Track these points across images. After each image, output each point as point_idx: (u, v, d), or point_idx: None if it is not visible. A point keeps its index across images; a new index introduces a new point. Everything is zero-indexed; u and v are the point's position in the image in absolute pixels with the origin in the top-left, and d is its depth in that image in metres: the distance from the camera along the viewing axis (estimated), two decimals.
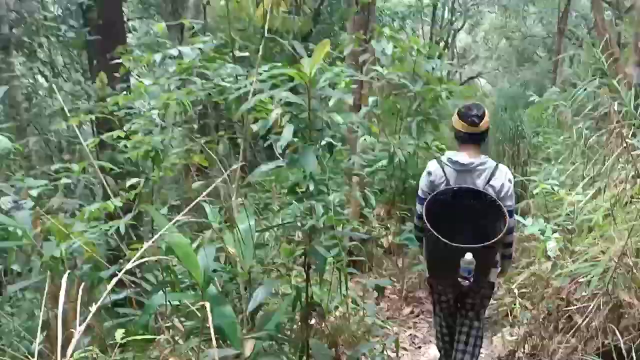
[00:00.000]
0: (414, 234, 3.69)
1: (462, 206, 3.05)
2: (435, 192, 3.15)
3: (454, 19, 20.32)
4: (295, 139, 2.81)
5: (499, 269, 3.34)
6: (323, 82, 2.83)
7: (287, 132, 2.67)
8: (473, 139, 3.19)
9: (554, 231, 3.49)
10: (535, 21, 22.37)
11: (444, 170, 3.21)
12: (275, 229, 3.53)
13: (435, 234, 2.90)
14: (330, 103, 4.04)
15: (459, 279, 2.93)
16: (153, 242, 2.08)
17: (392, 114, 6.16)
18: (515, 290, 3.71)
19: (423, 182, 3.36)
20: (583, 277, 3.18)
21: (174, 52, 2.95)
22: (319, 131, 2.89)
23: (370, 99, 5.54)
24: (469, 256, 2.85)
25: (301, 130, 2.85)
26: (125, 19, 10.01)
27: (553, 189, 3.66)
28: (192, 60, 2.96)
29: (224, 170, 3.00)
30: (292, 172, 3.10)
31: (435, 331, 3.70)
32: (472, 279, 2.92)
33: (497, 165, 3.20)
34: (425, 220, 2.98)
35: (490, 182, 3.13)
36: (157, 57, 3.01)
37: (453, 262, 2.91)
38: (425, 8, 19.25)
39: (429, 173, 3.30)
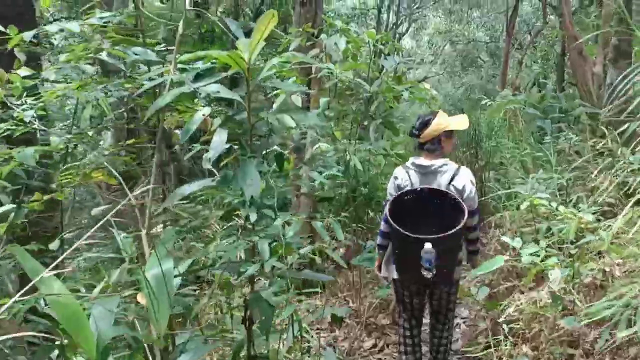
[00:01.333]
0: (377, 242, 3.69)
1: (424, 205, 3.21)
2: (398, 193, 3.32)
3: (398, 22, 19.99)
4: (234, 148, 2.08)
5: (461, 267, 3.46)
6: (267, 71, 2.08)
7: (219, 140, 1.92)
8: (424, 146, 3.43)
9: (548, 254, 2.88)
10: (479, 26, 22.44)
11: (408, 174, 3.42)
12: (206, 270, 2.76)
13: (397, 227, 3.04)
14: (277, 103, 3.33)
15: (422, 272, 3.00)
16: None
17: (345, 117, 5.48)
18: (505, 327, 3.06)
19: (390, 187, 3.54)
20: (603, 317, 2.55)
21: (52, 28, 2.12)
22: (262, 138, 2.14)
23: (322, 101, 4.83)
24: (428, 245, 2.96)
25: (238, 137, 2.11)
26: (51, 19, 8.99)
27: (550, 205, 3.04)
28: (85, 43, 2.16)
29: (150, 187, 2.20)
30: (227, 192, 2.33)
31: (398, 337, 3.77)
32: (434, 271, 3.00)
33: (459, 167, 3.38)
34: (389, 218, 3.12)
35: (453, 183, 3.29)
36: (28, 35, 2.18)
37: (416, 255, 3.01)
38: (369, 11, 18.86)
39: (396, 177, 3.49)
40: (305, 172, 5.91)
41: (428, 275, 2.99)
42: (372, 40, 5.12)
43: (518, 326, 3.11)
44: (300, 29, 5.21)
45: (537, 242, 3.09)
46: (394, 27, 19.41)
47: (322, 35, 5.02)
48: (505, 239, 3.05)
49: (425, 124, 3.38)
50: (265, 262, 2.04)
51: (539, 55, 15.32)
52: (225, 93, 1.96)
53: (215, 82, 2.01)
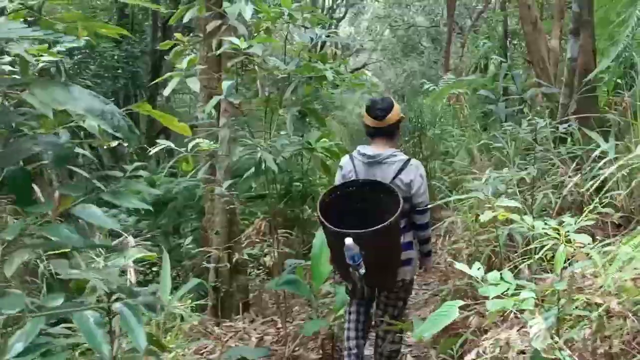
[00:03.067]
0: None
1: (364, 198, 3.05)
2: (335, 185, 3.19)
3: (334, 7, 19.14)
4: None
5: (413, 267, 3.23)
6: None
7: None
8: (380, 133, 3.17)
9: (519, 289, 2.00)
10: (418, 11, 21.87)
11: (353, 164, 3.19)
12: None
13: (321, 217, 2.88)
14: None
15: (350, 269, 2.84)
16: None
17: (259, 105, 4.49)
18: None
19: (337, 178, 3.34)
20: None
21: None
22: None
23: (225, 84, 3.82)
24: (348, 240, 2.75)
25: None
26: None
27: (522, 219, 2.15)
28: None
29: None
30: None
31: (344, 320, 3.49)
32: (362, 270, 2.80)
33: (408, 159, 3.15)
34: (317, 210, 2.96)
35: (399, 176, 3.08)
36: None
37: (341, 250, 2.81)
38: None
39: (341, 167, 3.30)
40: (220, 174, 4.93)
41: (356, 272, 2.82)
42: (289, 10, 4.14)
43: None
44: None
45: (498, 263, 2.23)
46: (330, 11, 18.55)
47: (225, 4, 4.01)
48: (460, 266, 2.14)
49: (389, 107, 3.14)
50: None
51: (482, 38, 14.76)
52: None
53: None
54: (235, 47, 3.71)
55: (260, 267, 6.63)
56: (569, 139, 4.09)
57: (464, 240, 3.67)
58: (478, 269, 2.09)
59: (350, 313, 3.36)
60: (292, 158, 7.23)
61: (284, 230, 6.10)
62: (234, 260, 4.65)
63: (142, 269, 7.49)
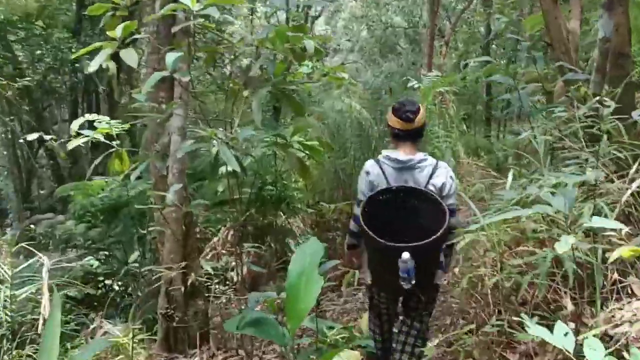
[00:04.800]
0: (346, 242, 3.38)
1: (402, 206, 2.91)
2: (372, 192, 2.96)
3: (310, 4, 18.29)
4: None
5: (445, 270, 3.17)
6: None
7: None
8: (409, 136, 3.01)
9: None
10: (397, 11, 21.21)
11: (382, 169, 3.02)
12: None
13: (371, 234, 2.69)
14: None
15: (401, 282, 2.68)
16: None
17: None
18: None
19: (362, 184, 3.11)
20: None
21: None
22: None
23: (170, 57, 2.88)
24: (405, 255, 2.62)
25: None
26: None
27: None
28: None
29: None
30: None
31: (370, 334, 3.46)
32: (413, 281, 2.68)
33: (437, 162, 3.04)
34: (362, 222, 2.77)
35: (432, 180, 2.97)
36: None
37: (392, 264, 2.66)
38: None
39: (367, 173, 3.09)
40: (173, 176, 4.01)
41: (407, 285, 2.71)
42: None
43: None
44: None
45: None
46: (306, 8, 17.66)
47: None
48: (539, 332, 1.27)
49: (418, 108, 3.00)
50: None
51: (465, 37, 14.15)
52: None
53: None
54: (183, 7, 2.79)
55: (228, 283, 5.71)
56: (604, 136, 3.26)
57: (488, 264, 2.80)
58: (565, 334, 1.22)
59: (375, 333, 3.37)
60: (264, 158, 6.30)
61: (251, 245, 5.19)
62: (189, 281, 3.73)
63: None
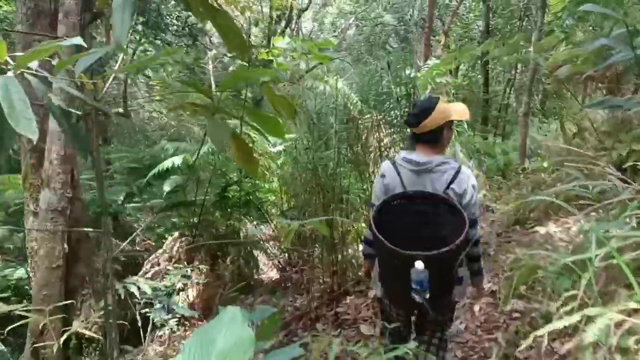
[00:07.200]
0: (362, 251, 3.25)
1: (417, 212, 2.69)
2: (386, 197, 2.78)
3: None
4: None
5: (464, 286, 2.94)
6: None
7: None
8: (421, 139, 2.79)
9: None
10: (387, 8, 20.32)
11: (398, 172, 2.84)
12: None
13: (381, 238, 2.48)
14: None
15: (413, 294, 2.48)
16: None
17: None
18: None
19: (377, 187, 2.98)
20: None
21: None
22: None
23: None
24: (419, 265, 2.43)
25: None
26: None
27: None
28: None
29: None
30: None
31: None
32: (427, 295, 2.46)
33: (460, 167, 2.76)
34: (373, 228, 2.57)
35: (452, 186, 2.72)
36: None
37: (404, 274, 2.48)
38: None
39: (383, 176, 2.91)
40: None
41: (419, 299, 2.48)
42: None
43: None
44: None
45: None
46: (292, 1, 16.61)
47: None
48: None
49: (426, 110, 2.70)
50: None
51: (461, 32, 13.28)
52: None
53: None
54: None
55: (173, 308, 4.54)
56: None
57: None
58: None
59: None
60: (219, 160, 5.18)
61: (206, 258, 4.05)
62: (71, 330, 2.53)
63: None
